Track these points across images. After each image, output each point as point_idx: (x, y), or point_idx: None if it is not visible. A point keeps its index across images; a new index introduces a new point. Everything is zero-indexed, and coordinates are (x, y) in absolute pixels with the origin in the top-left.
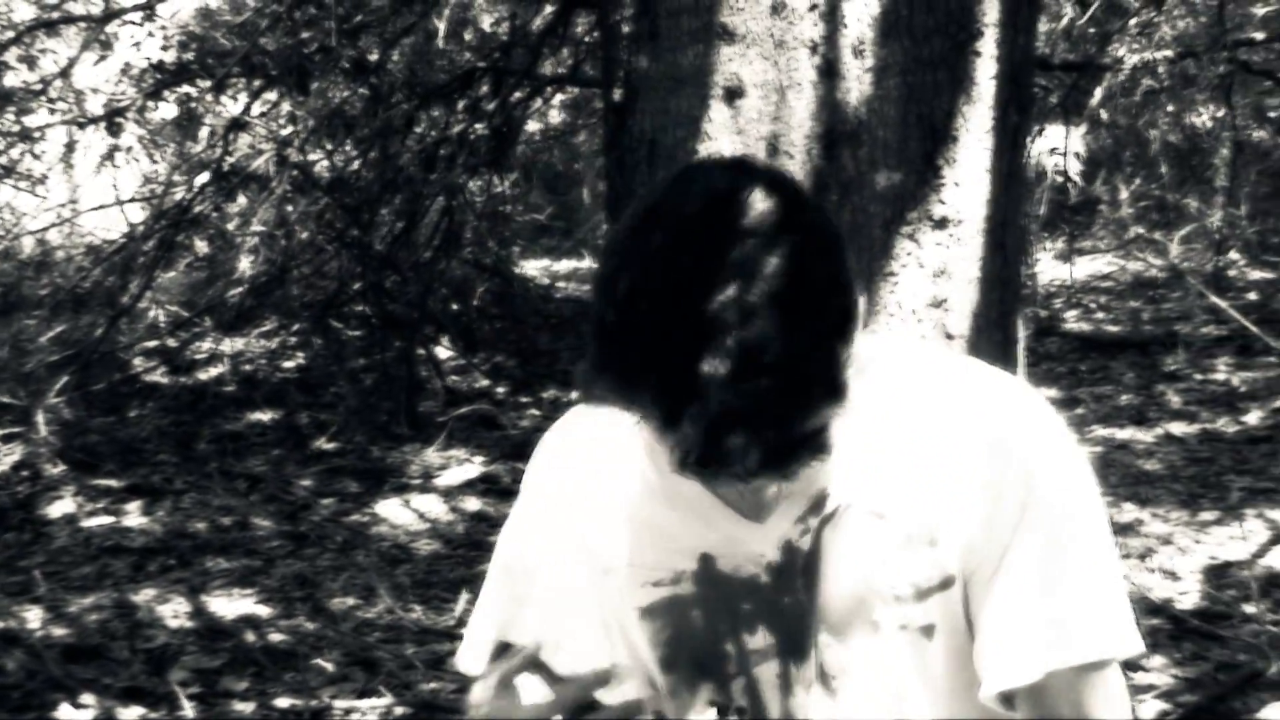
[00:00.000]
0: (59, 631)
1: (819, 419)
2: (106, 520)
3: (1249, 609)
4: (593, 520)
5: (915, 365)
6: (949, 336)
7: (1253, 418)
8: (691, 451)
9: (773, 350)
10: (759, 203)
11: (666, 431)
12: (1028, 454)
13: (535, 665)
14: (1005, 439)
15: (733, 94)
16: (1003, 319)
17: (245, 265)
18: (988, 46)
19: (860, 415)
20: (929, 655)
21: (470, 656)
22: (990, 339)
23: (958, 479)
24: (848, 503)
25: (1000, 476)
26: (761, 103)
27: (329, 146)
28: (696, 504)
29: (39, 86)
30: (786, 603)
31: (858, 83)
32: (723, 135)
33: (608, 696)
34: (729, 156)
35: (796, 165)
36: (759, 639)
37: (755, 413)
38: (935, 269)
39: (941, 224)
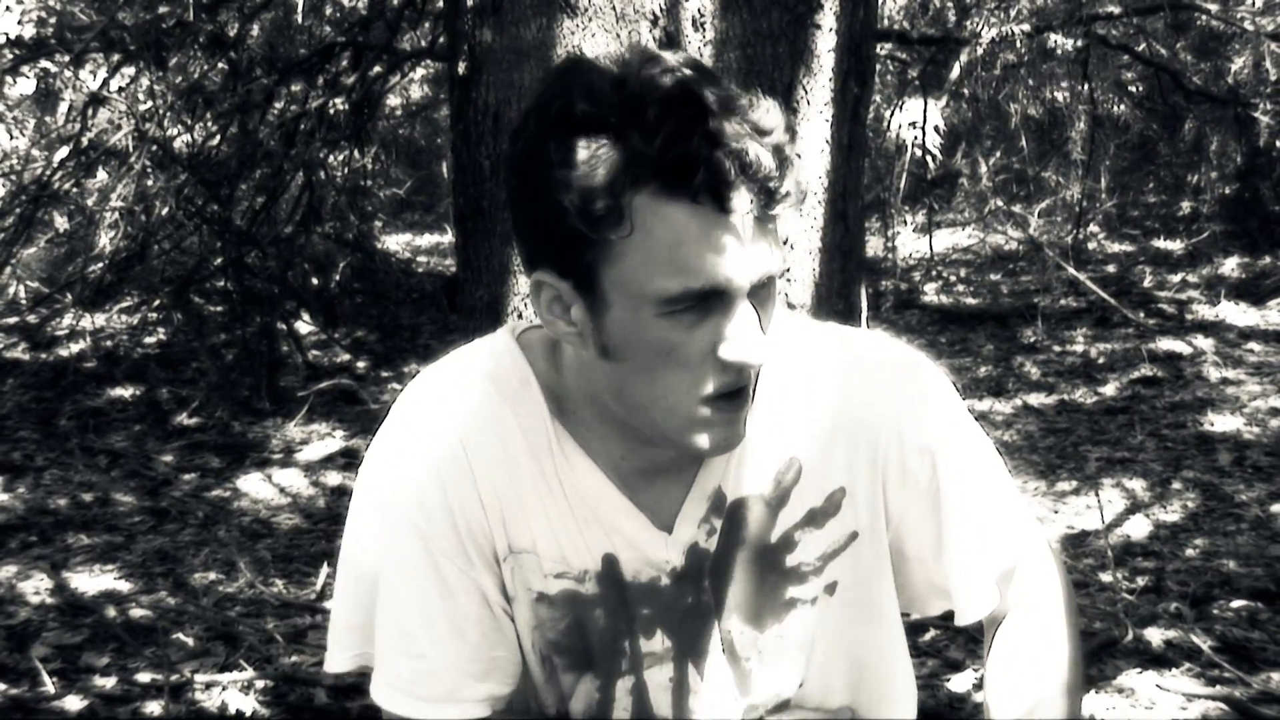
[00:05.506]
0: None
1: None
2: None
3: (1105, 578)
4: (506, 495)
5: (788, 343)
6: (791, 307)
7: (1110, 389)
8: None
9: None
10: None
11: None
12: (925, 416)
13: None
14: (899, 406)
15: None
16: (845, 289)
17: (105, 241)
18: (827, 19)
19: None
20: (830, 609)
21: (337, 658)
22: (833, 309)
23: (852, 449)
24: (748, 494)
25: (901, 439)
26: None
27: (188, 121)
28: (598, 509)
29: None
30: (689, 603)
31: (698, 55)
32: None
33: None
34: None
35: None
36: (656, 643)
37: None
38: None
39: None
